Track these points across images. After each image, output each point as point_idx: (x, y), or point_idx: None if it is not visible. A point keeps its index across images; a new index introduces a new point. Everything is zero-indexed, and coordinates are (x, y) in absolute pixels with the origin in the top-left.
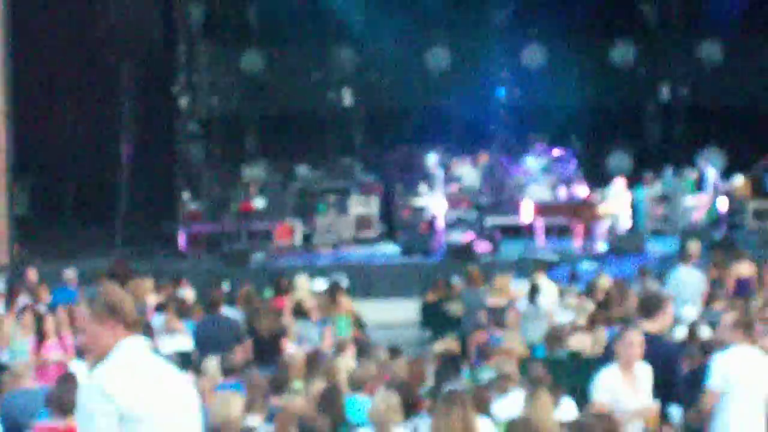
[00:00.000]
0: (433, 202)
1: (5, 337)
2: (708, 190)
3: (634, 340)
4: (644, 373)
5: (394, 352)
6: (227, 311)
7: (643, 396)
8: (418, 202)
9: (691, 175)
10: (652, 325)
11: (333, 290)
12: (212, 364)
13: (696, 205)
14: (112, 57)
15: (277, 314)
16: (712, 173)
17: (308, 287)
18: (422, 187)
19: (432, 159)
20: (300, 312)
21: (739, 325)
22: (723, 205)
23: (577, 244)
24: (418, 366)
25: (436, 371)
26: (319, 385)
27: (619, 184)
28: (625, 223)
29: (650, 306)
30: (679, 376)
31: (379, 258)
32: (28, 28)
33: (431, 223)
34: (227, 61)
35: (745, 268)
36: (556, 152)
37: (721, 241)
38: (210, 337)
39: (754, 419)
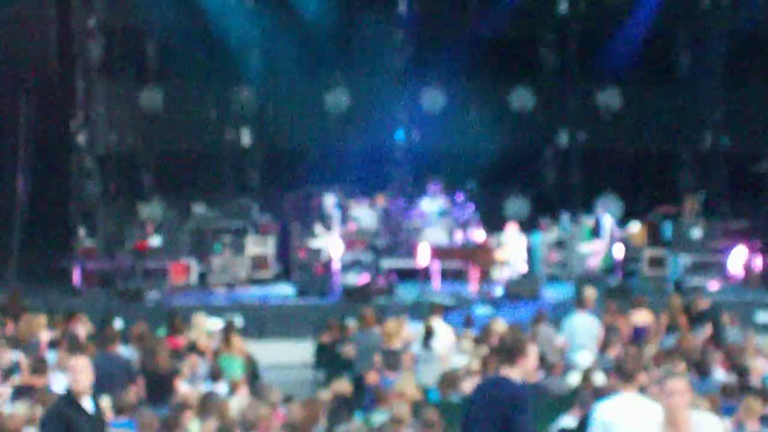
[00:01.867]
0: (330, 244)
1: None
2: (604, 237)
3: (676, 387)
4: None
5: (287, 398)
6: (121, 349)
7: None
8: (315, 243)
9: (588, 221)
10: (514, 372)
11: (227, 330)
12: (105, 402)
13: (591, 252)
14: (10, 91)
15: (171, 353)
16: (608, 220)
17: (202, 327)
18: (319, 228)
19: (329, 200)
20: (194, 351)
21: (621, 372)
22: (618, 252)
23: (472, 288)
24: (311, 408)
25: (329, 413)
26: (211, 425)
27: (511, 229)
28: (520, 268)
29: (510, 352)
30: (520, 424)
31: (274, 298)
32: None
33: (327, 265)
34: (125, 98)
35: (641, 316)
36: (454, 196)
37: (616, 287)
38: (103, 375)
39: None
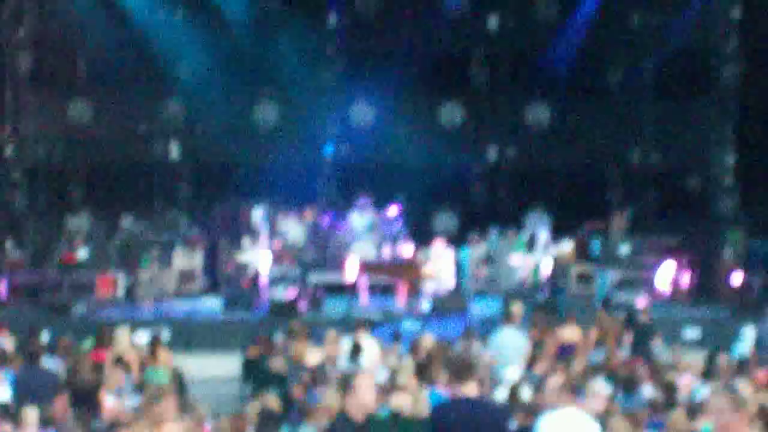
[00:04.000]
0: (257, 258)
1: None
2: (537, 251)
3: (724, 405)
4: None
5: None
6: (47, 362)
7: None
8: (242, 257)
9: (524, 235)
10: (469, 389)
11: (153, 344)
12: (31, 414)
13: (522, 266)
14: None
15: (96, 366)
16: (543, 235)
17: (129, 340)
18: (246, 242)
19: (257, 214)
20: (120, 364)
21: (565, 388)
22: (546, 267)
23: (400, 303)
24: (237, 422)
25: (256, 428)
26: None
27: (439, 244)
28: (448, 284)
29: (462, 370)
30: None
31: (201, 312)
32: None
33: (255, 279)
34: (54, 110)
35: (568, 332)
36: (382, 211)
37: (544, 303)
38: (29, 388)
39: None
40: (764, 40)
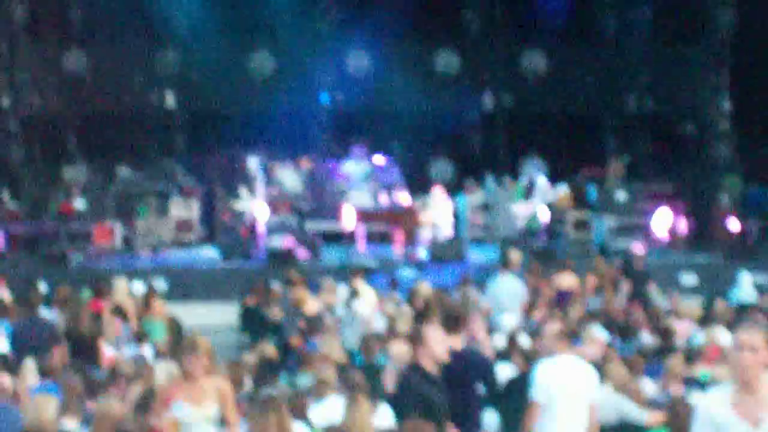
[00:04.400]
0: (254, 206)
1: None
2: (535, 198)
3: (747, 341)
4: None
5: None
6: (44, 312)
7: None
8: (238, 205)
9: (522, 182)
10: (455, 341)
11: (148, 294)
12: (29, 365)
13: (520, 214)
14: None
15: (94, 316)
16: (542, 181)
17: (126, 290)
18: (243, 191)
19: (253, 163)
20: (118, 314)
21: (562, 335)
22: (544, 214)
23: (397, 251)
24: (235, 370)
25: (254, 376)
26: (136, 389)
27: (437, 192)
28: (445, 231)
29: (452, 321)
30: (494, 385)
31: (198, 261)
32: None
33: (252, 227)
34: (50, 61)
35: (566, 279)
36: (378, 159)
37: (541, 250)
38: (26, 339)
39: (576, 428)
40: None
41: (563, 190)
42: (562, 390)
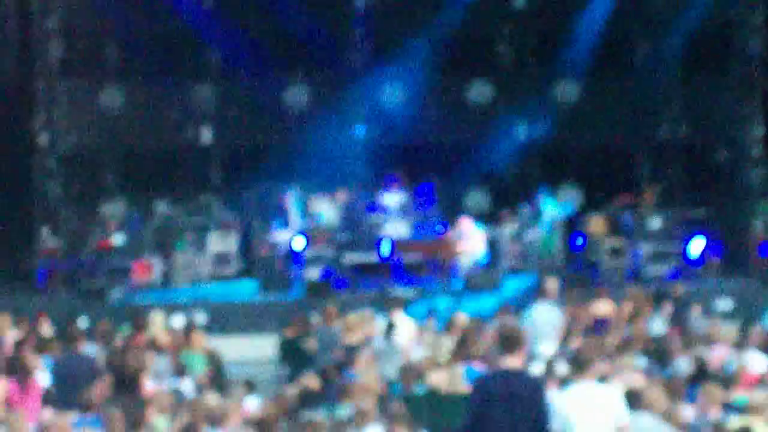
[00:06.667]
0: (291, 239)
1: None
2: (544, 224)
3: None
4: None
5: (250, 385)
6: (86, 347)
7: None
8: (276, 238)
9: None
10: (514, 361)
11: (188, 328)
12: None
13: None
14: None
15: (137, 350)
16: (549, 209)
17: (163, 324)
18: (280, 224)
19: (290, 196)
20: (155, 348)
21: (577, 362)
22: (558, 239)
23: (434, 281)
24: (280, 403)
25: (297, 408)
26: (179, 421)
27: (471, 222)
28: (481, 260)
29: (512, 340)
30: (545, 412)
31: (237, 295)
32: None
33: (289, 260)
34: (86, 98)
35: (602, 306)
36: (414, 190)
37: (577, 278)
38: (68, 374)
39: None
40: None
41: (595, 218)
42: (581, 418)
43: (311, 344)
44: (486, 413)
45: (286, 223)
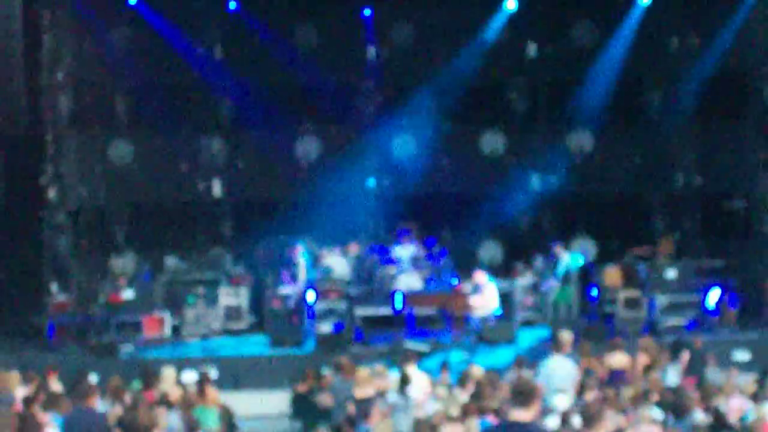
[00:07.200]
0: (303, 293)
1: None
2: (559, 276)
3: None
4: None
5: None
6: (97, 403)
7: None
8: (284, 290)
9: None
10: (527, 414)
11: (201, 382)
12: None
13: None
14: None
15: (150, 406)
16: (565, 258)
17: (174, 378)
18: (291, 278)
19: (299, 249)
20: (166, 403)
21: (587, 416)
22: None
23: (447, 334)
24: None
25: None
26: None
27: (480, 276)
28: (495, 313)
29: (525, 394)
30: None
31: (248, 349)
32: None
33: (301, 314)
34: (95, 151)
35: (617, 358)
36: (426, 242)
37: (592, 330)
38: (79, 431)
39: None
40: None
41: (610, 269)
42: None
43: (325, 399)
44: None
45: (295, 277)
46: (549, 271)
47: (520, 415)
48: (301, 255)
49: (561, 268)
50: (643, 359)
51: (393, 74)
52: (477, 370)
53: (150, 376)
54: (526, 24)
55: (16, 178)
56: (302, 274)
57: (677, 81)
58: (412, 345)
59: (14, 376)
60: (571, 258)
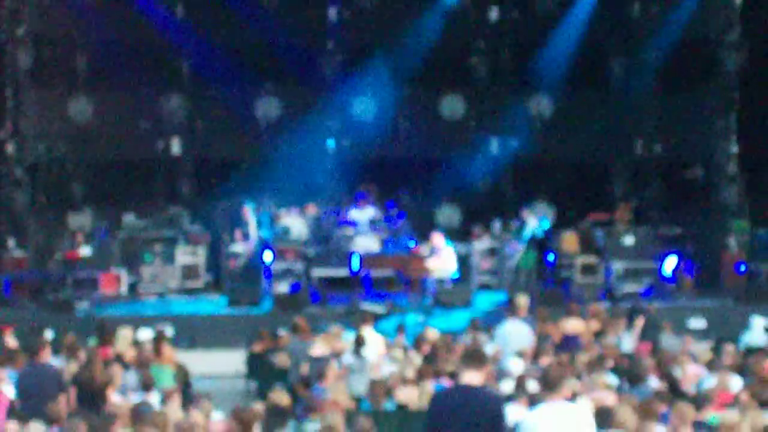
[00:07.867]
0: (254, 252)
1: None
2: (525, 240)
3: None
4: None
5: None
6: (51, 359)
7: None
8: (238, 249)
9: (515, 225)
10: (478, 377)
11: (157, 340)
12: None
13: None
14: None
15: (104, 363)
16: (532, 223)
17: (131, 337)
18: (243, 236)
19: (251, 209)
20: (122, 361)
21: (546, 382)
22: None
23: (404, 296)
24: (245, 417)
25: (264, 423)
26: None
27: (436, 239)
28: (452, 277)
29: (476, 357)
30: (502, 429)
31: (205, 308)
32: None
33: (254, 272)
34: (55, 107)
35: (573, 324)
36: (385, 204)
37: (548, 295)
38: (32, 386)
39: None
40: (766, 28)
41: (568, 234)
42: None
43: (282, 359)
44: (442, 429)
45: (247, 236)
46: (513, 234)
47: (472, 378)
48: (251, 214)
49: (527, 233)
50: (593, 325)
51: (354, 36)
52: (432, 333)
53: (106, 333)
54: None
55: None
56: (253, 233)
57: (640, 48)
58: (369, 306)
59: None
60: (540, 222)
